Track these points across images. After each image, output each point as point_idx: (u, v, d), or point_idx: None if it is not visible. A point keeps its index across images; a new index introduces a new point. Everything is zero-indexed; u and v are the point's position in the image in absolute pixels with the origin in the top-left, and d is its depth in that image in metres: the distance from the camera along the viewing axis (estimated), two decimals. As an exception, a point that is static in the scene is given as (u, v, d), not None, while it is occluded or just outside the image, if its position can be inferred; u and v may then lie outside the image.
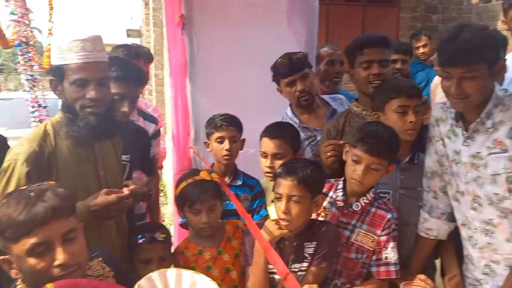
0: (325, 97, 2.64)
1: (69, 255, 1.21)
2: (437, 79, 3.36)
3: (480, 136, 1.69)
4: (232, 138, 2.25)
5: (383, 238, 1.83)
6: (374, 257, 1.84)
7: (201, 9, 2.82)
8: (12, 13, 3.81)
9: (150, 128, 2.81)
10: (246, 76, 2.82)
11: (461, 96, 1.63)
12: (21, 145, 1.72)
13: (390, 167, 1.84)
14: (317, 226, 1.79)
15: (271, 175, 2.11)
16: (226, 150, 2.22)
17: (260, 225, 1.78)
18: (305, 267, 1.76)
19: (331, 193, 1.93)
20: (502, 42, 2.15)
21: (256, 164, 2.22)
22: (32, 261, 1.20)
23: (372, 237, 1.84)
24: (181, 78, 2.92)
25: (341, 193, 1.90)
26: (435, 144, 1.87)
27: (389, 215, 1.84)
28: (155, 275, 1.26)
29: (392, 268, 1.82)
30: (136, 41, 12.21)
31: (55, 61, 1.76)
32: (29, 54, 3.81)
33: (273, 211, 1.76)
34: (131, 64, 2.32)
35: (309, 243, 1.76)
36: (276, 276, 1.75)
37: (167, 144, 3.70)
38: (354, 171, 1.81)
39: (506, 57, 2.52)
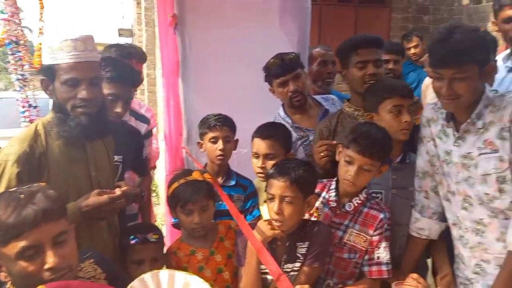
0: (317, 97, 2.64)
1: (59, 258, 1.20)
2: (427, 80, 3.38)
3: (470, 136, 1.70)
4: (226, 138, 2.24)
5: (376, 238, 1.84)
6: (366, 257, 1.85)
7: (194, 8, 2.82)
8: (2, 12, 3.77)
9: (142, 128, 2.80)
10: (239, 76, 2.81)
11: (452, 97, 1.64)
12: (11, 145, 1.70)
13: (382, 168, 1.85)
14: (309, 226, 1.80)
15: (263, 175, 2.12)
16: (220, 150, 2.22)
17: (253, 226, 1.78)
18: (298, 267, 1.76)
19: (323, 194, 1.93)
20: (492, 43, 2.18)
21: (248, 165, 2.22)
22: (21, 264, 1.18)
23: (365, 237, 1.85)
24: (174, 78, 2.91)
25: (333, 194, 1.91)
26: (426, 145, 1.88)
27: (381, 215, 1.85)
28: (147, 276, 1.25)
29: (384, 267, 1.83)
30: (128, 40, 12.17)
31: (46, 60, 1.74)
32: (20, 54, 3.77)
33: (266, 211, 1.76)
34: (125, 65, 2.31)
35: (301, 243, 1.77)
36: (269, 277, 1.75)
37: (160, 144, 3.69)
38: (346, 171, 1.81)
39: (496, 58, 2.54)
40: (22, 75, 3.76)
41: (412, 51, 4.41)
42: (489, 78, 2.13)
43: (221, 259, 1.94)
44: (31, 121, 3.33)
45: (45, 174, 1.71)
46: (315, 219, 1.88)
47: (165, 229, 2.97)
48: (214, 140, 2.24)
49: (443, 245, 1.94)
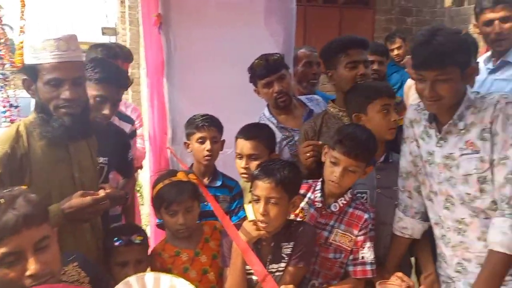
0: (302, 97, 2.66)
1: (41, 264, 1.16)
2: (410, 81, 3.42)
3: (452, 137, 1.73)
4: (213, 139, 2.23)
5: (360, 238, 1.86)
6: (351, 257, 1.87)
7: (179, 8, 2.80)
8: (-19, 10, 3.69)
9: (126, 128, 2.77)
10: (224, 76, 2.81)
11: (434, 99, 1.66)
12: (-8, 146, 1.67)
13: (367, 169, 1.87)
14: (294, 227, 1.80)
15: (246, 176, 2.12)
16: (207, 150, 2.21)
17: (238, 227, 1.78)
18: (283, 267, 1.77)
19: (309, 194, 1.94)
20: (474, 46, 2.21)
21: (234, 165, 2.21)
22: (2, 271, 1.15)
23: (350, 237, 1.86)
24: (158, 78, 2.90)
25: (319, 194, 1.92)
26: (410, 145, 1.90)
27: (366, 215, 1.87)
28: (132, 279, 1.23)
29: (368, 267, 1.85)
30: (111, 39, 12.04)
31: (29, 60, 1.71)
32: (0, 52, 3.70)
33: (250, 211, 1.76)
34: (114, 66, 2.28)
35: (286, 244, 1.77)
36: (254, 277, 1.75)
37: (145, 144, 3.66)
38: (332, 172, 1.83)
39: (477, 60, 2.58)
40: (3, 74, 3.69)
41: (395, 52, 4.46)
42: (470, 80, 2.16)
43: (206, 260, 1.93)
44: (12, 121, 3.27)
45: (27, 175, 1.68)
46: (301, 219, 1.89)
47: (149, 230, 2.95)
48: (202, 141, 2.23)
49: (427, 244, 1.96)
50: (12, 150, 1.67)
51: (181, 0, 2.81)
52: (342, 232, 1.87)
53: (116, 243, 1.84)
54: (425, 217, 1.92)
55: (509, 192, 1.60)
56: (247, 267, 1.74)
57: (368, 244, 1.85)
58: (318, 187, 1.93)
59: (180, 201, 1.89)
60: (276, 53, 2.47)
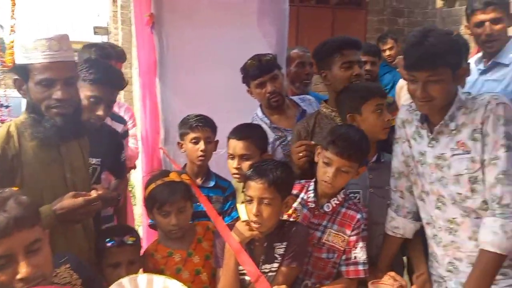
0: (294, 98, 2.67)
1: (32, 268, 1.15)
2: (402, 82, 3.44)
3: (444, 138, 1.74)
4: (207, 139, 2.23)
5: (353, 238, 1.86)
6: (343, 257, 1.87)
7: (171, 8, 2.80)
8: (-29, 9, 3.66)
9: (118, 128, 2.76)
10: (217, 77, 2.81)
11: (426, 99, 1.67)
12: (-18, 147, 1.65)
13: (360, 169, 1.88)
14: (287, 227, 1.81)
15: (238, 176, 2.12)
16: (201, 151, 2.20)
17: (231, 227, 1.78)
18: (276, 267, 1.77)
19: (302, 194, 1.95)
20: (465, 47, 2.23)
21: (227, 165, 2.21)
22: None
23: (343, 237, 1.87)
24: (150, 77, 2.89)
25: (312, 195, 1.92)
26: (402, 145, 1.92)
27: (358, 215, 1.88)
28: (125, 281, 1.23)
29: (360, 267, 1.85)
30: (103, 38, 11.97)
31: (20, 60, 1.70)
32: (-10, 52, 3.67)
33: (243, 211, 1.76)
34: (110, 67, 2.26)
35: (279, 244, 1.78)
36: (247, 278, 1.75)
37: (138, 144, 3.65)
38: (325, 173, 1.83)
39: (468, 61, 2.61)
40: (-6, 73, 3.65)
41: (387, 53, 4.48)
42: (461, 80, 2.18)
43: (199, 261, 1.93)
44: (2, 121, 3.25)
45: (18, 176, 1.67)
46: (294, 220, 1.89)
47: (141, 230, 2.94)
48: (196, 141, 2.22)
49: (420, 244, 1.97)
50: (2, 151, 1.65)
51: (174, 0, 2.80)
52: (335, 232, 1.88)
53: (109, 244, 1.83)
54: (417, 217, 1.93)
55: (500, 192, 1.61)
56: (240, 267, 1.74)
57: (360, 244, 1.86)
58: (311, 187, 1.94)
59: (173, 202, 1.88)
60: (269, 54, 2.47)
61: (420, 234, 1.95)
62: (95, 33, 12.71)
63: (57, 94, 1.69)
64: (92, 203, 1.68)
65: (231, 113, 2.54)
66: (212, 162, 2.32)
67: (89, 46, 2.88)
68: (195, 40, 2.81)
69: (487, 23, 2.51)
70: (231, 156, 2.15)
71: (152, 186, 1.94)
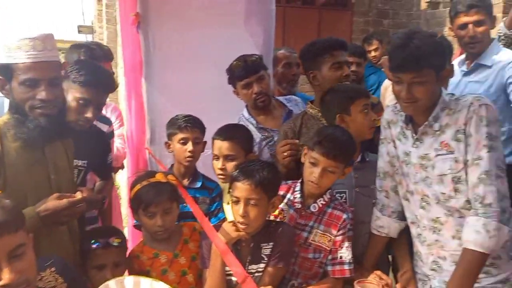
0: (280, 98, 2.67)
1: (16, 274, 1.12)
2: (386, 82, 3.48)
3: (428, 138, 1.76)
4: (195, 140, 2.21)
5: (339, 238, 1.88)
6: (329, 257, 1.88)
7: (157, 8, 2.78)
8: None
9: (103, 129, 2.72)
10: (203, 77, 2.80)
11: (410, 100, 1.69)
12: (-37, 148, 1.62)
13: (346, 170, 1.89)
14: (273, 227, 1.81)
15: (223, 177, 2.11)
16: (189, 151, 2.19)
17: (218, 228, 1.78)
18: (262, 268, 1.77)
19: (288, 195, 1.95)
20: (449, 49, 2.26)
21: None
22: None
23: (329, 237, 1.88)
24: (136, 77, 2.86)
25: (298, 195, 1.93)
26: (387, 146, 1.94)
27: (344, 216, 1.89)
28: (112, 283, 1.22)
29: (346, 267, 1.87)
30: (88, 37, 11.84)
31: (3, 59, 1.66)
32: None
33: (229, 211, 1.76)
34: (100, 69, 2.22)
35: (266, 244, 1.78)
36: (233, 278, 1.75)
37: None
38: (311, 173, 1.84)
39: (452, 62, 2.65)
40: (-25, 72, 3.58)
41: (373, 54, 4.52)
42: (445, 82, 2.22)
43: (185, 262, 1.92)
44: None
45: (1, 178, 1.63)
46: (281, 220, 1.90)
47: (127, 231, 2.91)
48: (184, 141, 2.21)
49: (405, 243, 1.99)
50: None
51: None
52: (322, 232, 1.89)
53: (94, 246, 1.81)
54: (401, 216, 1.95)
55: (482, 191, 1.64)
56: (227, 268, 1.74)
57: (346, 244, 1.88)
58: (298, 188, 1.94)
59: (158, 203, 1.87)
60: (255, 54, 2.47)
61: (405, 232, 1.97)
62: (79, 32, 12.54)
63: (41, 94, 1.67)
64: (76, 205, 1.66)
65: (218, 113, 2.53)
66: (199, 162, 2.31)
67: (77, 46, 2.85)
68: (181, 40, 2.80)
69: (470, 25, 2.55)
70: (216, 157, 2.14)
71: (138, 187, 1.93)
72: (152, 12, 2.77)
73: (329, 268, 1.89)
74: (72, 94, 2.01)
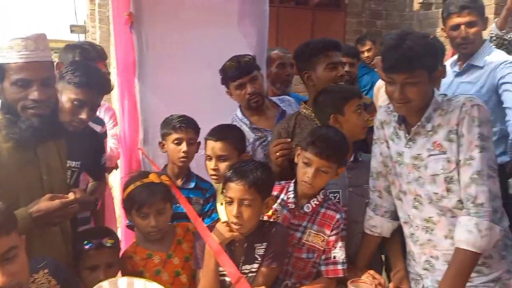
0: (273, 98, 2.67)
1: (8, 276, 1.11)
2: (379, 83, 3.49)
3: (420, 138, 1.77)
4: (190, 140, 2.21)
5: (332, 238, 1.88)
6: (323, 257, 1.89)
7: (151, 7, 2.77)
8: None
9: (96, 130, 2.71)
10: (196, 77, 2.79)
11: (403, 101, 1.70)
12: (-46, 150, 1.61)
13: (339, 170, 1.90)
14: (267, 227, 1.81)
15: (216, 177, 2.11)
16: (183, 152, 2.18)
17: (211, 228, 1.78)
18: (256, 268, 1.77)
19: (282, 195, 1.95)
20: (441, 50, 2.27)
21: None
22: None
23: (323, 236, 1.88)
24: (129, 77, 2.85)
25: (292, 195, 1.93)
26: (380, 146, 1.94)
27: (338, 216, 1.90)
28: (105, 284, 1.21)
29: (339, 267, 1.87)
30: (80, 37, 11.78)
31: None
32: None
33: (223, 211, 1.76)
34: (96, 70, 2.21)
35: (259, 244, 1.78)
36: (227, 279, 1.75)
37: (117, 144, 3.60)
38: (305, 173, 1.85)
39: (444, 63, 2.66)
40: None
41: (366, 54, 4.54)
42: (437, 82, 2.23)
43: (178, 262, 1.92)
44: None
45: None
46: (274, 220, 1.90)
47: (120, 232, 2.90)
48: (178, 142, 2.20)
49: (398, 242, 2.01)
50: None
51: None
52: (315, 232, 1.89)
53: (87, 247, 1.80)
54: (394, 216, 1.97)
55: (474, 191, 1.65)
56: (220, 268, 1.74)
57: (339, 243, 1.88)
58: (291, 188, 1.95)
59: (152, 203, 1.87)
60: (248, 55, 2.47)
61: (399, 232, 1.98)
62: (72, 31, 12.47)
63: (34, 94, 1.65)
64: (69, 206, 1.65)
65: (211, 114, 2.52)
66: (192, 163, 2.31)
67: (72, 47, 2.83)
68: (174, 40, 2.79)
69: (462, 26, 2.57)
70: (208, 157, 2.14)
71: (131, 187, 1.92)
72: (145, 12, 2.76)
73: (323, 268, 1.89)
74: (67, 95, 2.00)
